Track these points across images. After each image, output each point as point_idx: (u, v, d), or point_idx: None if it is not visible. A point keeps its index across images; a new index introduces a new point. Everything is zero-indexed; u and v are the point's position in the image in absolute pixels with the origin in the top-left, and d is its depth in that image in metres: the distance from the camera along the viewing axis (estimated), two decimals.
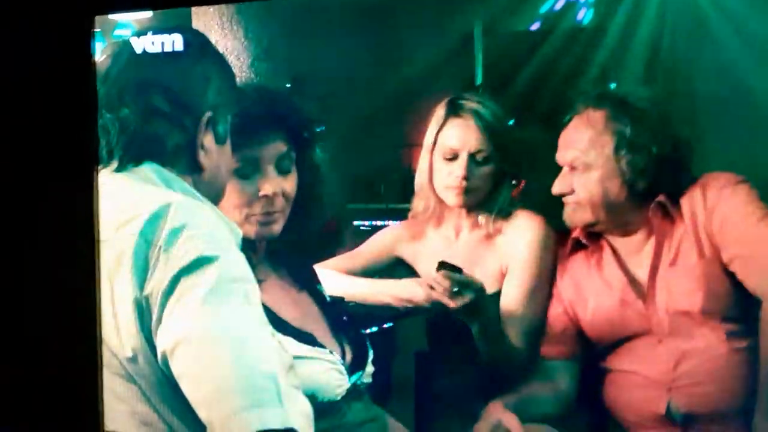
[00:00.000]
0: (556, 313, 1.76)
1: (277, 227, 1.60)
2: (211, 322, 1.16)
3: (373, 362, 1.68)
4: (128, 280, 1.21)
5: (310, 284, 1.73)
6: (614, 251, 1.71)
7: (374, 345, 1.71)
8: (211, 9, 2.03)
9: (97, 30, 1.74)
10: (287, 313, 1.60)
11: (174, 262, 1.19)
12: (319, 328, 1.65)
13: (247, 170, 1.56)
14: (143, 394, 1.25)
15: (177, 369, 1.18)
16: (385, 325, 1.90)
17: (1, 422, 1.84)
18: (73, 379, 1.71)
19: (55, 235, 1.82)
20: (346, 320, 1.72)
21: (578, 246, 1.75)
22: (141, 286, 1.20)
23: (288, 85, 2.06)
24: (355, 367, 1.64)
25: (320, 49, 2.02)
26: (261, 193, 1.57)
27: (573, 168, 1.67)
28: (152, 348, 1.21)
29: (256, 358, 1.17)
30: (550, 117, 1.77)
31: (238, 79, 1.54)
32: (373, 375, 1.68)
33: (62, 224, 1.78)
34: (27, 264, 1.86)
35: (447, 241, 1.89)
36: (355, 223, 2.08)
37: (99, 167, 1.38)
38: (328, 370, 1.58)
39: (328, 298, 1.73)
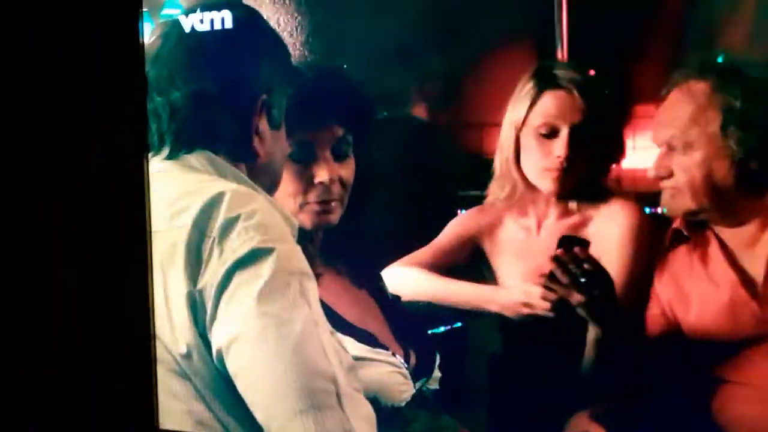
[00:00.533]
0: (653, 314, 1.58)
1: (334, 217, 1.54)
2: (266, 319, 1.14)
3: (440, 367, 1.60)
4: (181, 274, 1.20)
5: (370, 280, 1.65)
6: (722, 244, 1.53)
7: (442, 347, 1.63)
8: None
9: (144, 10, 1.69)
10: (346, 311, 1.52)
11: (228, 254, 1.17)
12: (381, 328, 1.57)
13: (302, 155, 1.50)
14: (198, 392, 1.23)
15: (232, 367, 1.17)
16: (454, 325, 1.77)
17: (53, 417, 1.84)
18: (126, 375, 1.69)
19: (105, 226, 1.79)
20: (410, 320, 1.63)
21: (679, 238, 1.58)
22: (194, 279, 1.19)
23: (344, 65, 1.93)
24: (420, 371, 1.56)
25: (376, 20, 1.89)
26: (316, 180, 1.51)
27: (671, 148, 1.51)
28: (207, 344, 1.20)
29: (314, 358, 1.15)
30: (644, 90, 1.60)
31: (292, 58, 1.49)
32: (441, 381, 1.59)
33: (112, 214, 1.76)
34: (78, 256, 1.83)
35: (527, 232, 1.73)
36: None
37: (149, 154, 1.35)
38: (391, 374, 1.50)
39: (389, 296, 1.65)
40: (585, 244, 1.53)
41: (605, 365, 1.57)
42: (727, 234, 1.52)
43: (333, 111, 1.53)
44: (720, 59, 1.56)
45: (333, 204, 1.52)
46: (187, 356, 1.21)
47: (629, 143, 1.65)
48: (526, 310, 1.62)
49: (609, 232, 1.63)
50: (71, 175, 1.82)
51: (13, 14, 1.81)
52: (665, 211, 1.55)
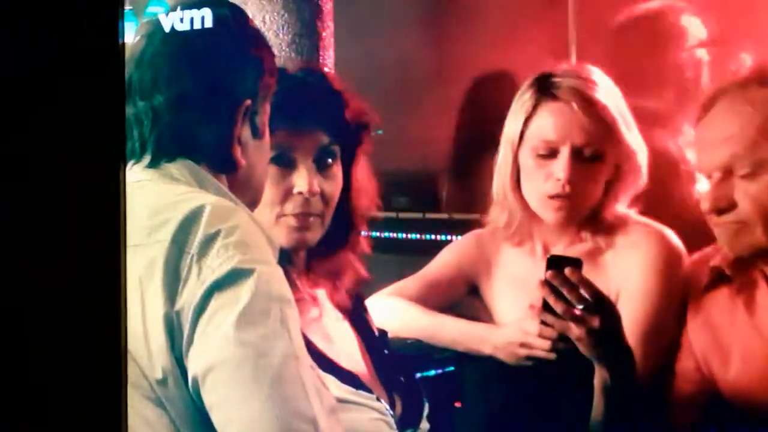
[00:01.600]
0: (684, 367, 1.41)
1: (313, 235, 1.43)
2: (244, 349, 1.11)
3: (429, 418, 1.46)
4: (159, 293, 1.17)
5: (354, 312, 1.52)
6: None
7: (431, 394, 1.48)
8: None
9: (128, 8, 1.65)
10: (327, 346, 1.42)
11: (207, 274, 1.15)
12: (365, 368, 1.46)
13: (282, 160, 1.42)
14: (173, 422, 1.19)
15: (208, 400, 1.14)
16: (445, 369, 1.62)
17: None
18: (95, 399, 1.55)
19: (78, 238, 1.66)
20: (397, 360, 1.51)
21: (720, 278, 1.39)
22: (172, 299, 1.17)
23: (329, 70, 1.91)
24: (406, 421, 1.43)
25: (368, 20, 1.84)
26: (295, 190, 1.42)
27: (730, 173, 1.31)
28: (183, 370, 1.17)
29: (293, 396, 1.12)
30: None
31: (277, 60, 1.42)
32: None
33: (87, 226, 1.63)
34: (46, 269, 1.68)
35: (530, 263, 1.55)
36: (411, 237, 1.75)
37: (129, 162, 1.33)
38: (375, 421, 1.38)
39: (376, 332, 1.52)
40: (577, 263, 1.31)
41: (616, 421, 1.37)
42: None
43: (316, 113, 1.45)
44: None
45: (311, 220, 1.42)
46: (163, 382, 1.18)
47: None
48: (523, 352, 1.44)
49: (629, 264, 1.46)
50: (44, 183, 1.68)
51: None
52: (726, 250, 1.36)
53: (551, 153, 1.45)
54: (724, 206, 1.33)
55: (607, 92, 1.46)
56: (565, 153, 1.44)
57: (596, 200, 1.48)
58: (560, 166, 1.44)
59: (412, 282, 1.61)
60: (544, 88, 1.47)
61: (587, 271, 1.35)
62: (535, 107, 1.47)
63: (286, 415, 1.10)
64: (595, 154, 1.44)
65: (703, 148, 1.36)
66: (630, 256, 1.46)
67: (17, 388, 1.80)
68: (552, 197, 1.46)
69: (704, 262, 1.42)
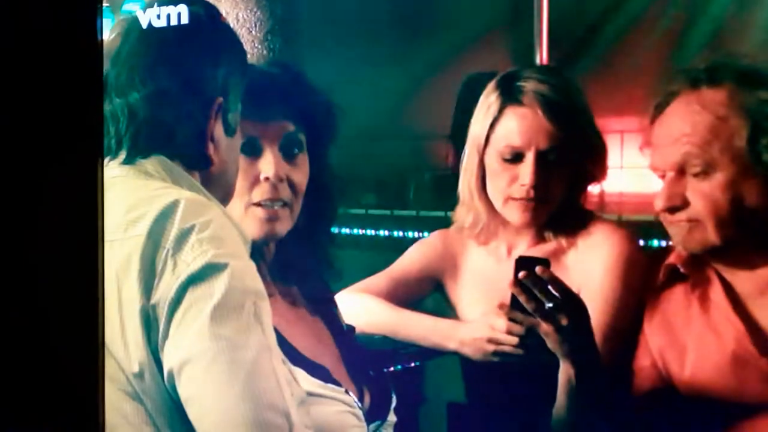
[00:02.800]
0: (642, 365, 1.40)
1: (281, 226, 1.42)
2: (219, 342, 1.12)
3: (396, 410, 1.45)
4: (135, 287, 1.18)
5: (324, 306, 1.51)
6: (727, 287, 1.35)
7: (398, 388, 1.48)
8: None
9: (105, 5, 1.65)
10: (297, 340, 1.40)
11: (182, 268, 1.15)
12: (334, 362, 1.44)
13: (248, 148, 1.42)
14: (149, 416, 1.19)
15: (183, 393, 1.14)
16: (412, 364, 1.62)
17: None
18: (73, 394, 1.60)
19: (55, 233, 1.71)
20: (365, 355, 1.50)
21: (675, 276, 1.39)
22: (148, 293, 1.17)
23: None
24: (374, 413, 1.42)
25: (340, 17, 1.82)
26: (262, 176, 1.41)
27: (683, 172, 1.32)
28: (158, 364, 1.17)
29: (267, 389, 1.12)
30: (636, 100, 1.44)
31: (249, 56, 1.44)
32: (396, 426, 1.45)
33: (64, 221, 1.67)
34: (24, 264, 1.74)
35: (495, 262, 1.56)
36: (380, 233, 1.75)
37: (106, 159, 1.33)
38: (343, 413, 1.37)
39: (344, 326, 1.51)
40: (545, 263, 1.33)
41: (580, 415, 1.38)
42: (737, 277, 1.34)
43: (283, 104, 1.44)
44: (737, 59, 1.37)
45: (279, 210, 1.41)
46: (139, 375, 1.18)
47: (616, 162, 1.49)
48: (490, 347, 1.44)
49: (591, 263, 1.47)
50: (22, 178, 1.73)
51: None
52: (679, 248, 1.36)
53: (516, 157, 1.46)
54: (677, 204, 1.32)
55: (570, 92, 1.47)
56: (530, 157, 1.45)
57: (560, 200, 1.48)
58: (526, 171, 1.45)
59: (380, 278, 1.61)
60: (509, 92, 1.47)
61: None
62: (500, 111, 1.47)
63: (260, 407, 1.11)
64: (559, 157, 1.45)
65: (657, 148, 1.36)
66: (592, 256, 1.47)
67: None
68: (517, 200, 1.47)
69: (660, 260, 1.41)
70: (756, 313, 1.32)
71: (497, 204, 1.50)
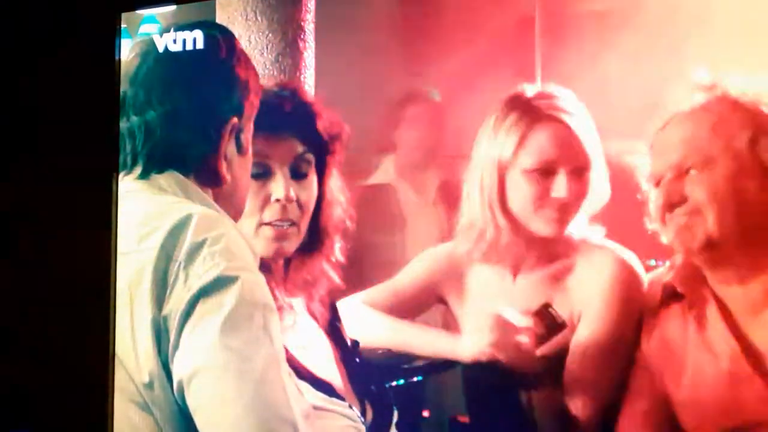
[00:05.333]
0: (639, 385, 1.41)
1: (290, 245, 1.47)
2: (229, 353, 1.14)
3: (398, 426, 1.49)
4: (147, 298, 1.20)
5: (328, 321, 1.54)
6: (721, 306, 1.36)
7: (400, 403, 1.52)
8: None
9: (123, 26, 1.73)
10: (302, 354, 1.43)
11: (193, 280, 1.17)
12: (338, 376, 1.47)
13: (260, 170, 1.46)
14: (158, 425, 1.21)
15: (192, 402, 1.16)
16: (414, 379, 1.62)
17: None
18: (83, 404, 1.67)
19: (71, 244, 1.81)
20: (368, 369, 1.53)
21: (672, 295, 1.40)
22: (160, 305, 1.19)
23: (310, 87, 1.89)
24: (376, 428, 1.46)
25: (347, 41, 1.84)
26: (273, 198, 1.46)
27: (682, 171, 1.33)
28: (169, 375, 1.19)
29: (275, 400, 1.14)
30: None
31: (261, 77, 1.49)
32: None
33: (80, 233, 1.78)
34: (40, 273, 1.85)
35: (500, 280, 1.57)
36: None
37: (121, 174, 1.37)
38: (346, 427, 1.41)
39: (348, 342, 1.53)
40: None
41: None
42: (730, 294, 1.35)
43: (292, 125, 1.48)
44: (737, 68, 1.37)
45: (289, 228, 1.46)
46: (149, 386, 1.20)
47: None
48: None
49: (591, 287, 1.48)
50: (42, 190, 1.83)
51: None
52: (677, 246, 1.37)
53: (549, 172, 1.48)
54: (676, 201, 1.33)
55: (580, 112, 1.49)
56: (563, 171, 1.47)
57: (578, 215, 1.50)
58: (560, 185, 1.47)
59: (382, 291, 1.61)
60: (530, 110, 1.49)
61: (549, 295, 1.47)
62: (529, 128, 1.49)
63: (269, 418, 1.12)
64: (582, 172, 1.47)
65: (657, 154, 1.37)
66: (592, 279, 1.48)
67: (6, 391, 1.82)
68: (546, 211, 1.48)
69: (658, 280, 1.42)
70: (750, 331, 1.32)
71: (523, 217, 1.51)
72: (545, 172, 1.48)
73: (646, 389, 1.40)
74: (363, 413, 1.43)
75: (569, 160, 1.47)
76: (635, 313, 1.44)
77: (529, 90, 1.52)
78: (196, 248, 1.18)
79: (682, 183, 1.33)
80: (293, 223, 1.46)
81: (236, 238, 1.22)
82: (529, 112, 1.50)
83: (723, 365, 1.32)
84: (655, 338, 1.41)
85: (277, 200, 1.45)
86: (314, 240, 1.50)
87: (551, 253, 1.53)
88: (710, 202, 1.31)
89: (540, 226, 1.50)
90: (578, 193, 1.48)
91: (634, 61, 1.49)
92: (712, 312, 1.36)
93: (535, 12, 1.63)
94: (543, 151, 1.49)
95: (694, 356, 1.36)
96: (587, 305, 1.47)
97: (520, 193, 1.50)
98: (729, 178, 1.29)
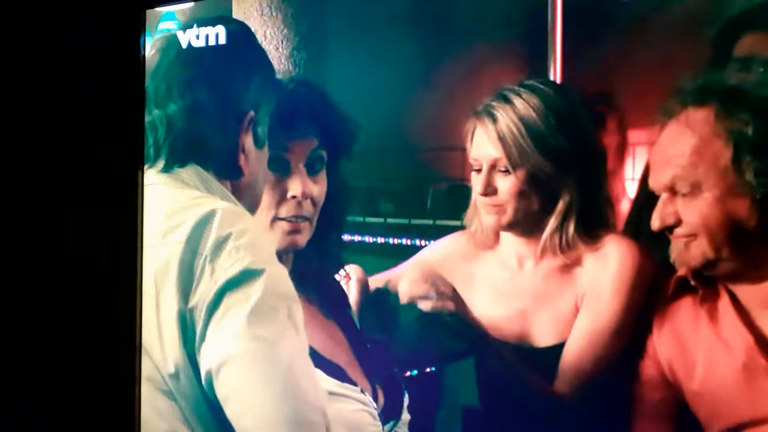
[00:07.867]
0: (650, 376, 1.40)
1: (302, 238, 1.50)
2: (257, 343, 1.16)
3: (409, 409, 1.52)
4: (173, 291, 1.22)
5: (339, 309, 1.56)
6: (734, 300, 1.34)
7: (414, 393, 1.55)
8: None
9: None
10: (315, 341, 1.43)
11: (219, 274, 1.20)
12: (349, 362, 1.50)
13: (278, 166, 1.48)
14: (182, 413, 1.24)
15: (221, 391, 1.18)
16: (427, 369, 1.62)
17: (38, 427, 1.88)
18: (111, 392, 1.69)
19: (97, 237, 1.83)
20: (379, 354, 1.55)
21: (684, 288, 1.37)
22: (186, 297, 1.21)
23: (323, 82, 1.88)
24: (388, 413, 1.48)
25: (361, 35, 1.84)
26: (289, 194, 1.48)
27: (674, 192, 1.32)
28: (194, 365, 1.21)
29: (303, 387, 1.17)
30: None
31: (277, 71, 1.53)
32: (411, 425, 1.52)
33: (106, 225, 1.80)
34: (67, 266, 1.87)
35: (508, 271, 1.57)
36: (396, 241, 1.77)
37: (145, 166, 1.39)
38: (360, 412, 1.43)
39: (358, 326, 1.57)
40: None
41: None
42: (744, 290, 1.33)
43: (308, 121, 1.50)
44: (722, 80, 1.35)
45: (302, 223, 1.48)
46: (175, 376, 1.22)
47: (629, 174, 1.48)
48: None
49: (600, 272, 1.48)
50: (67, 183, 1.86)
51: (15, 23, 1.88)
52: (678, 264, 1.36)
53: (479, 168, 1.51)
54: (672, 223, 1.32)
55: (523, 113, 1.48)
56: (484, 169, 1.50)
57: (535, 214, 1.50)
58: (478, 180, 1.50)
59: (404, 267, 1.63)
60: (477, 109, 1.52)
61: (557, 285, 1.48)
62: (474, 126, 1.52)
63: (300, 405, 1.15)
64: (507, 169, 1.48)
65: (653, 169, 1.35)
66: (602, 267, 1.47)
67: (37, 380, 1.86)
68: (482, 205, 1.52)
69: (670, 272, 1.39)
70: (763, 325, 1.31)
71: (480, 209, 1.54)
72: (478, 168, 1.51)
73: (657, 380, 1.39)
74: (374, 398, 1.45)
75: (488, 159, 1.49)
76: (641, 300, 1.42)
77: (504, 89, 1.52)
78: (221, 242, 1.21)
79: (675, 205, 1.32)
80: (306, 218, 1.49)
81: (259, 231, 1.26)
82: (475, 111, 1.52)
83: (738, 358, 1.31)
84: (666, 329, 1.40)
85: (294, 197, 1.46)
86: (324, 232, 1.52)
87: (554, 245, 1.51)
88: (703, 228, 1.30)
89: (483, 216, 1.53)
90: (508, 190, 1.49)
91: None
92: (725, 305, 1.35)
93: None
94: (474, 149, 1.52)
95: (706, 349, 1.35)
96: (592, 287, 1.47)
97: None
98: (717, 201, 1.28)
